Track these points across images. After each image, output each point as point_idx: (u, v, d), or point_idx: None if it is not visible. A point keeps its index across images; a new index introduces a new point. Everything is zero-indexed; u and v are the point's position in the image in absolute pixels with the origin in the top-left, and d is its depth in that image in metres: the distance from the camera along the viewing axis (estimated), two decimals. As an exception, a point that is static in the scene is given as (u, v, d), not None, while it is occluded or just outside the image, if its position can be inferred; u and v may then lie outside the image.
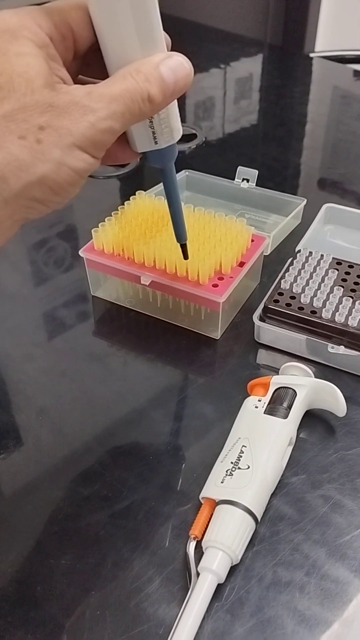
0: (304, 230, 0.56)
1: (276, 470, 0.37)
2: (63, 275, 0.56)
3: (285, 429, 0.38)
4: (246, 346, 0.48)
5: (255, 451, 0.37)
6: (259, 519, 0.35)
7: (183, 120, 0.82)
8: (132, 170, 0.71)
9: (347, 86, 1.01)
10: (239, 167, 0.61)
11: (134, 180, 0.71)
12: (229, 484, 0.35)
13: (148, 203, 0.52)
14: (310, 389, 0.41)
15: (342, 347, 0.44)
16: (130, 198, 0.53)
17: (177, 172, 0.64)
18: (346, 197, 0.69)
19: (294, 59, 1.17)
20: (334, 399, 0.41)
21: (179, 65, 0.30)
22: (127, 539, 0.35)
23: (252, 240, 0.51)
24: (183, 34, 1.17)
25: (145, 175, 0.71)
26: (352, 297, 0.47)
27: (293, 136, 0.83)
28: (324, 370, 0.46)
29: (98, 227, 0.49)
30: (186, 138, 0.79)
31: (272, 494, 0.37)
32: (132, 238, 0.48)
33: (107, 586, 0.33)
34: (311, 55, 1.11)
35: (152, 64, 0.29)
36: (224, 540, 0.33)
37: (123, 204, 0.52)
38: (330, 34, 2.14)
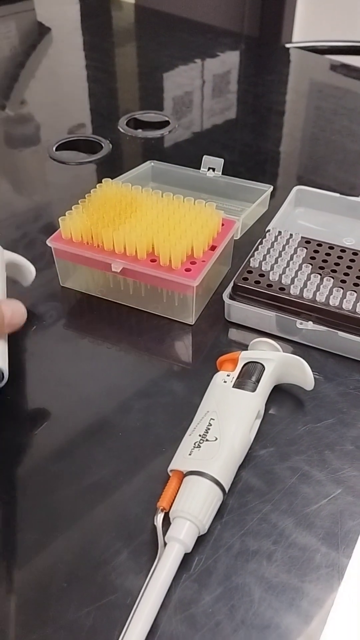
0: (275, 214, 0.57)
1: (244, 442, 0.37)
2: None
3: (253, 401, 0.39)
4: (218, 326, 0.49)
5: (223, 423, 0.37)
6: (227, 490, 0.35)
7: (160, 108, 0.82)
8: (105, 156, 0.72)
9: (322, 77, 1.02)
10: (205, 157, 0.62)
11: (106, 166, 0.71)
12: (197, 456, 0.35)
13: (115, 190, 0.53)
14: (278, 363, 0.41)
15: (311, 322, 0.45)
16: (97, 186, 0.53)
17: (144, 161, 0.65)
18: (318, 181, 0.70)
19: (270, 49, 1.18)
20: (301, 373, 0.41)
21: (17, 309, 0.41)
22: (95, 513, 0.36)
23: (223, 225, 0.51)
24: (160, 25, 1.18)
25: (117, 161, 0.72)
26: (320, 274, 0.47)
27: (266, 124, 0.84)
28: (294, 347, 0.47)
29: (65, 215, 0.49)
30: (158, 125, 0.79)
31: (240, 467, 0.38)
32: (100, 225, 0.49)
33: (74, 559, 0.34)
34: (287, 45, 1.12)
35: None
36: (191, 510, 0.33)
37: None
38: (307, 25, 2.16)
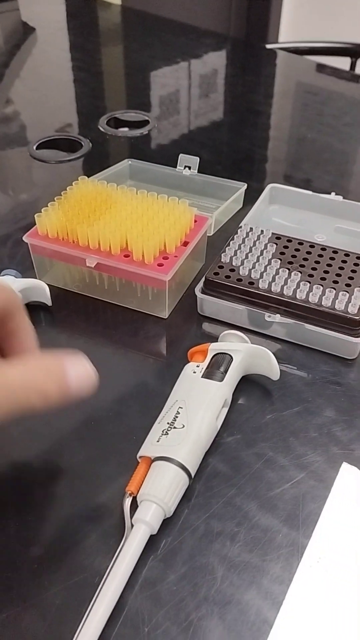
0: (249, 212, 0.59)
1: (210, 429, 0.39)
2: (7, 261, 0.57)
3: (220, 390, 0.40)
4: (191, 320, 0.50)
5: (190, 412, 0.39)
6: (193, 475, 0.37)
7: (147, 109, 0.84)
8: (85, 154, 0.73)
9: (304, 77, 1.03)
10: (181, 155, 0.63)
11: (86, 164, 0.72)
12: (165, 442, 0.37)
13: (91, 187, 0.54)
14: (245, 354, 0.43)
15: (278, 315, 0.47)
16: (73, 183, 0.54)
17: (123, 159, 0.66)
18: (295, 179, 0.72)
19: (254, 51, 1.19)
20: (268, 364, 0.43)
21: (85, 373, 0.31)
22: (65, 498, 0.37)
23: (195, 221, 0.53)
24: (145, 27, 1.19)
25: (97, 160, 0.73)
26: (288, 269, 0.49)
27: (245, 123, 0.85)
28: (263, 339, 0.48)
29: (41, 212, 0.51)
30: (138, 124, 0.81)
31: (207, 453, 0.39)
32: (75, 221, 0.50)
33: (45, 542, 0.35)
34: (267, 46, 1.14)
35: (59, 365, 0.30)
36: (157, 493, 0.34)
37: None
38: (293, 27, 2.18)
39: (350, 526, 0.36)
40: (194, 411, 0.39)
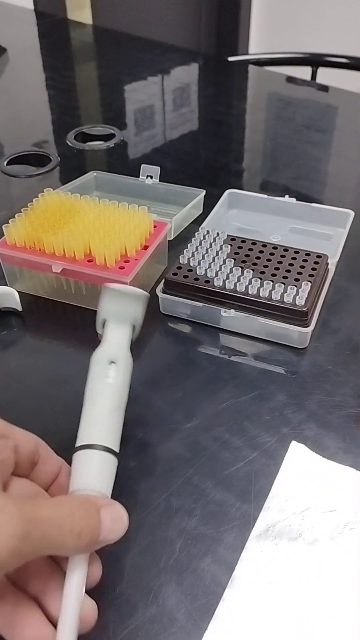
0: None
1: (104, 395, 0.36)
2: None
3: (98, 352, 0.39)
4: (155, 319, 0.53)
5: (87, 390, 0.37)
6: (116, 450, 0.35)
7: (117, 124, 0.87)
8: (53, 169, 0.76)
9: (272, 88, 1.08)
10: (143, 165, 0.67)
11: (54, 178, 0.75)
12: (79, 434, 0.35)
13: (56, 199, 0.57)
14: (106, 305, 0.40)
15: (233, 310, 0.50)
16: (39, 195, 0.57)
17: (86, 172, 0.69)
18: (252, 185, 0.75)
19: (219, 64, 1.24)
20: (133, 302, 0.40)
21: (118, 517, 0.31)
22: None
23: (155, 226, 0.56)
24: (116, 45, 1.23)
25: (64, 173, 0.76)
26: (241, 267, 0.52)
27: (205, 133, 0.89)
28: (219, 334, 0.51)
29: (9, 223, 0.54)
30: (105, 138, 0.84)
31: (167, 437, 0.42)
32: (41, 230, 0.53)
33: None
34: (230, 59, 1.18)
35: (95, 509, 0.30)
36: (86, 484, 0.33)
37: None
38: (262, 40, 2.23)
39: (298, 498, 0.39)
40: (88, 387, 0.37)
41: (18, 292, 0.56)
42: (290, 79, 1.06)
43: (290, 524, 0.38)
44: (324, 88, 1.03)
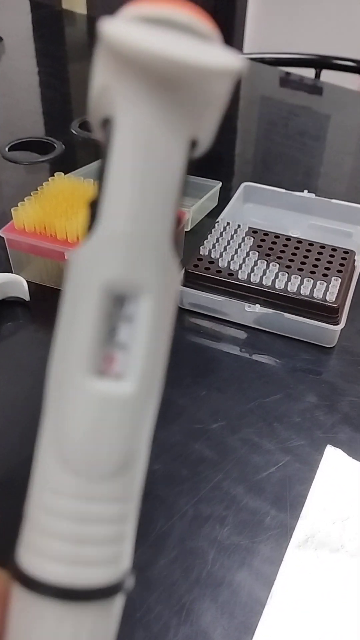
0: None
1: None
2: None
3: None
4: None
5: None
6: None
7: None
8: (58, 156, 0.73)
9: (269, 86, 1.06)
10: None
11: (59, 165, 0.72)
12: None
13: (68, 183, 0.54)
14: None
15: (258, 305, 0.47)
16: (49, 179, 0.54)
17: (92, 161, 0.66)
18: (268, 180, 0.73)
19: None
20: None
21: None
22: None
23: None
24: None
25: (70, 161, 0.73)
26: (266, 261, 0.49)
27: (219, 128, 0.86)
28: (243, 330, 0.48)
29: (18, 206, 0.50)
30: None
31: (193, 439, 0.39)
32: (53, 215, 0.49)
33: None
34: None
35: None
36: None
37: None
38: (256, 38, 2.22)
39: (337, 506, 0.36)
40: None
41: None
42: (288, 76, 1.04)
43: (331, 534, 0.35)
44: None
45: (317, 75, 1.19)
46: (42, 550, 0.15)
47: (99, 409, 0.15)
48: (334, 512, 0.36)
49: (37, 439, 0.16)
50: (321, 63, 1.19)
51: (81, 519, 0.15)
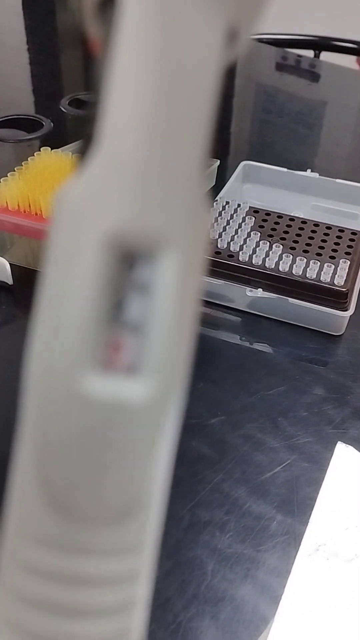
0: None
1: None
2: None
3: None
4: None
5: None
6: None
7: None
8: (46, 134, 0.68)
9: (268, 66, 1.02)
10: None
11: (47, 143, 0.67)
12: None
13: (55, 158, 0.50)
14: None
15: (260, 290, 0.43)
16: (35, 154, 0.50)
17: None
18: (266, 159, 0.69)
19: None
20: None
21: None
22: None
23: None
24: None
25: (59, 138, 0.68)
26: (269, 242, 0.46)
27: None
28: (243, 317, 0.45)
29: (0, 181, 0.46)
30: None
31: (190, 436, 0.35)
32: (38, 192, 0.45)
33: None
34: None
35: None
36: None
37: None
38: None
39: (350, 510, 0.32)
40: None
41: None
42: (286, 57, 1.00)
43: (344, 541, 0.31)
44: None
45: (317, 57, 1.15)
46: (10, 620, 0.11)
47: (100, 420, 0.10)
48: (346, 516, 0.32)
49: (14, 457, 0.12)
50: (320, 45, 1.15)
51: (69, 578, 0.11)
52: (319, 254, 0.45)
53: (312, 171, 0.58)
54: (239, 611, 0.28)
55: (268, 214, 0.49)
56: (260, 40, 1.14)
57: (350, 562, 0.30)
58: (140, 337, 0.10)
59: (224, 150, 0.70)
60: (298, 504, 0.33)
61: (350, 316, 0.42)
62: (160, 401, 0.10)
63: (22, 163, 0.49)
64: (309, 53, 1.17)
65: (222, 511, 0.32)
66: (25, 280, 0.48)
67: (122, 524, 0.11)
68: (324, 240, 0.46)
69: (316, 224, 0.48)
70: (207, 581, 0.29)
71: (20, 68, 0.89)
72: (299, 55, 1.00)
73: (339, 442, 0.36)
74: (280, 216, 0.49)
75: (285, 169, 0.59)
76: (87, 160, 0.10)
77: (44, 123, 0.70)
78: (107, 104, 0.10)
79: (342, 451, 0.35)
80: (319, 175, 0.58)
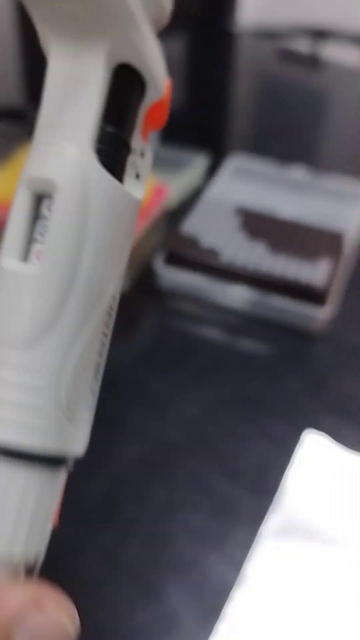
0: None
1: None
2: None
3: None
4: (151, 294, 0.53)
5: None
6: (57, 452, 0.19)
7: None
8: (28, 125, 0.75)
9: (266, 57, 1.08)
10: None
11: (29, 137, 0.74)
12: None
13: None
14: None
15: (241, 288, 0.49)
16: (20, 147, 0.56)
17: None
18: (258, 154, 0.75)
19: (215, 31, 1.24)
20: None
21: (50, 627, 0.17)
22: None
23: (155, 193, 0.55)
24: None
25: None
26: (251, 241, 0.52)
27: (207, 98, 0.89)
28: (226, 314, 0.51)
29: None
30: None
31: (167, 423, 0.41)
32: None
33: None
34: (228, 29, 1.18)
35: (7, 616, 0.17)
36: None
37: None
38: (255, 6, 2.24)
39: (314, 491, 0.39)
40: None
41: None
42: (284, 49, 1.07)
43: (307, 521, 0.37)
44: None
45: (316, 48, 1.22)
46: None
47: (7, 283, 0.18)
48: (311, 498, 0.38)
49: None
50: (320, 35, 1.22)
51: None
52: (300, 254, 0.51)
53: (300, 168, 0.65)
54: (205, 578, 0.34)
55: (252, 213, 0.56)
56: (260, 32, 1.21)
57: (311, 539, 0.36)
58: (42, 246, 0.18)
59: (214, 146, 0.77)
60: (267, 487, 0.39)
61: (330, 315, 0.49)
62: (43, 277, 0.18)
63: (6, 156, 0.55)
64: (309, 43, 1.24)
65: (195, 493, 0.38)
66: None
67: (30, 347, 0.18)
68: (306, 241, 0.53)
69: (299, 224, 0.55)
70: (178, 552, 0.35)
71: (8, 54, 0.96)
72: (298, 50, 1.07)
73: (309, 431, 0.42)
74: (264, 216, 0.55)
75: (274, 167, 0.65)
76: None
77: (28, 114, 0.76)
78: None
79: (312, 440, 0.41)
80: (315, 169, 0.64)
